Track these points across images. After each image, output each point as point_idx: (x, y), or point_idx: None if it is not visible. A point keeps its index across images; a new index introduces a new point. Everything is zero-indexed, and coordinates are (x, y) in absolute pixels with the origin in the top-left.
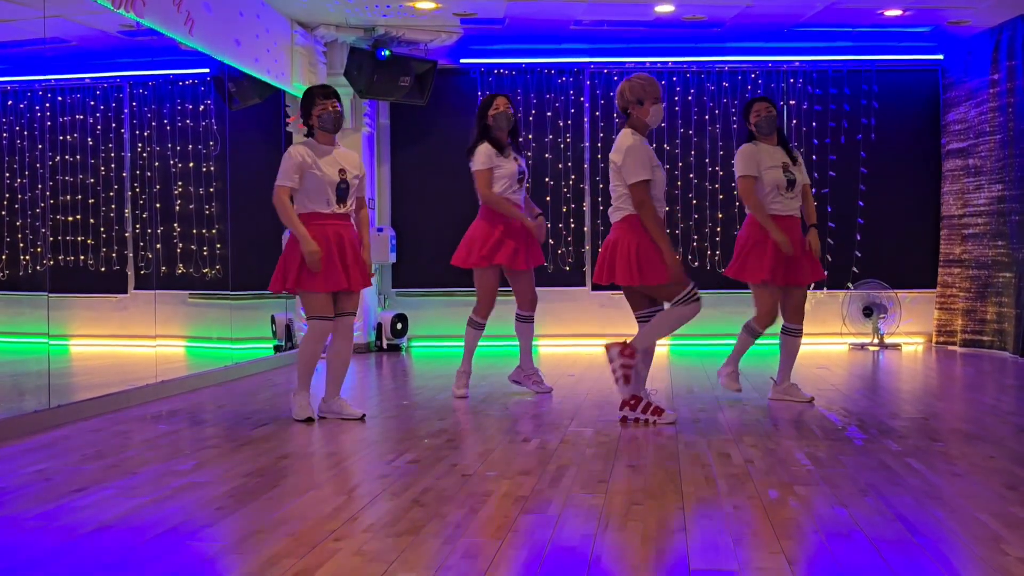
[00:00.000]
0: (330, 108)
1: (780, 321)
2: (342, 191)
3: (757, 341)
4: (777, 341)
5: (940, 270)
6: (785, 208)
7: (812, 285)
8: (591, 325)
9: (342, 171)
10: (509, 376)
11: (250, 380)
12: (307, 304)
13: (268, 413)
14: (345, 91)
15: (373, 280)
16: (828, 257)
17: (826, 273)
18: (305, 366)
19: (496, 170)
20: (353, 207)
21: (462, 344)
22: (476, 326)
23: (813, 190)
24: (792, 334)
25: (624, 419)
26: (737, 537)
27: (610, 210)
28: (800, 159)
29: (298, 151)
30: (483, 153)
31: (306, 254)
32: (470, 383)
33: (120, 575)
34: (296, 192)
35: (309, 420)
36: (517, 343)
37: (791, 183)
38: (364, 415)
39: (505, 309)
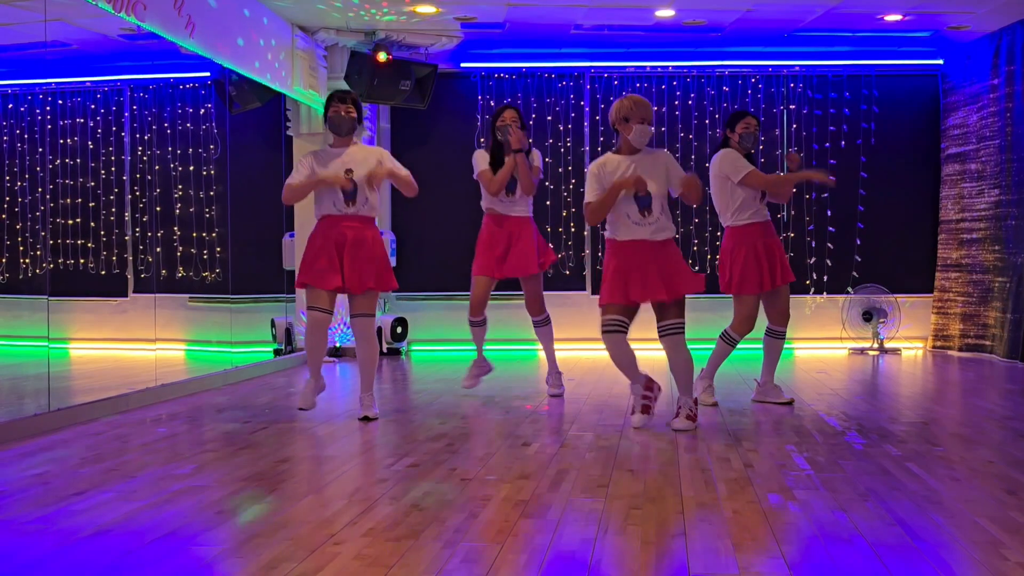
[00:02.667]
0: (343, 112)
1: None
2: (349, 191)
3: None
4: (761, 345)
5: (937, 274)
6: (760, 215)
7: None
8: (591, 329)
9: (349, 171)
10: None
11: (250, 384)
12: (306, 295)
13: (268, 417)
14: None
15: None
16: (828, 261)
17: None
18: (307, 355)
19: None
20: (368, 208)
21: (462, 347)
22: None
23: (812, 194)
24: (775, 336)
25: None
26: (737, 541)
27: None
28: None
29: (306, 156)
30: (477, 157)
31: (328, 180)
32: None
33: None
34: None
35: (303, 409)
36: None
37: (762, 194)
38: (367, 417)
39: (506, 313)
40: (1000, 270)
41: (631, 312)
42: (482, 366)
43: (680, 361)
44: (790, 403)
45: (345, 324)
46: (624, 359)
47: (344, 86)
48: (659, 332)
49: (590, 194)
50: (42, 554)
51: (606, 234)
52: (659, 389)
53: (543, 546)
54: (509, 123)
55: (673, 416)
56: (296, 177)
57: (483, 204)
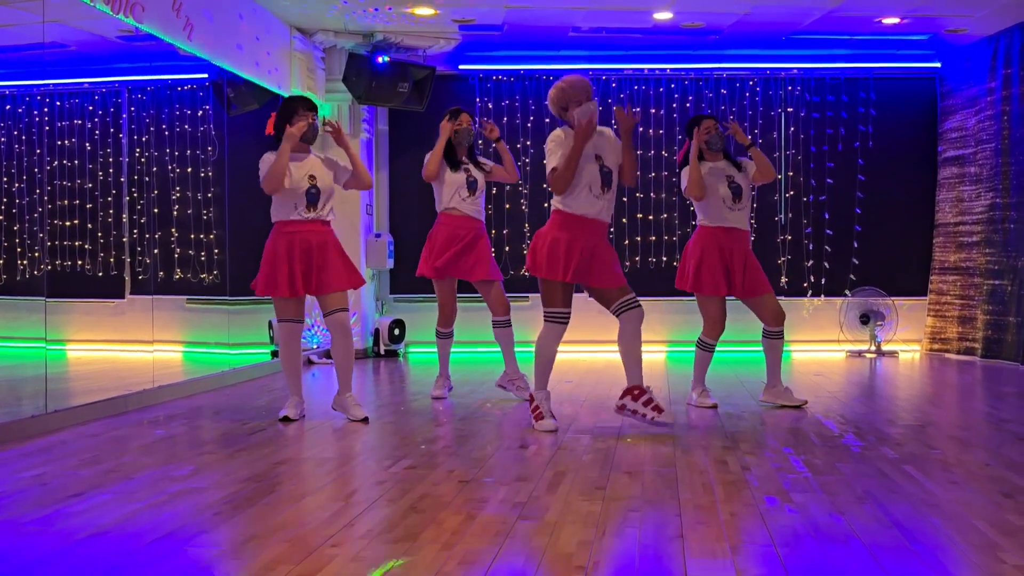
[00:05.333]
0: (312, 121)
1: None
2: (312, 196)
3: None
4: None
5: (933, 277)
6: (733, 220)
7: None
8: (587, 331)
9: (311, 177)
10: (496, 382)
11: (247, 385)
12: (275, 307)
13: (265, 418)
14: (344, 97)
15: (364, 280)
16: (825, 264)
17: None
18: (284, 369)
19: (447, 177)
20: (328, 212)
21: (459, 350)
22: (441, 336)
23: (810, 197)
24: (770, 336)
25: (622, 407)
26: (734, 544)
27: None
28: (747, 163)
29: (269, 156)
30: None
31: (288, 137)
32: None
33: None
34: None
35: (284, 419)
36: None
37: (737, 195)
38: (367, 418)
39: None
40: (996, 273)
41: (571, 299)
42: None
43: (630, 335)
44: (800, 406)
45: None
46: (549, 356)
47: (341, 88)
48: (616, 312)
49: (555, 159)
50: (40, 555)
51: (555, 204)
52: (554, 423)
53: (541, 548)
54: (467, 127)
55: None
56: (264, 166)
57: (440, 206)
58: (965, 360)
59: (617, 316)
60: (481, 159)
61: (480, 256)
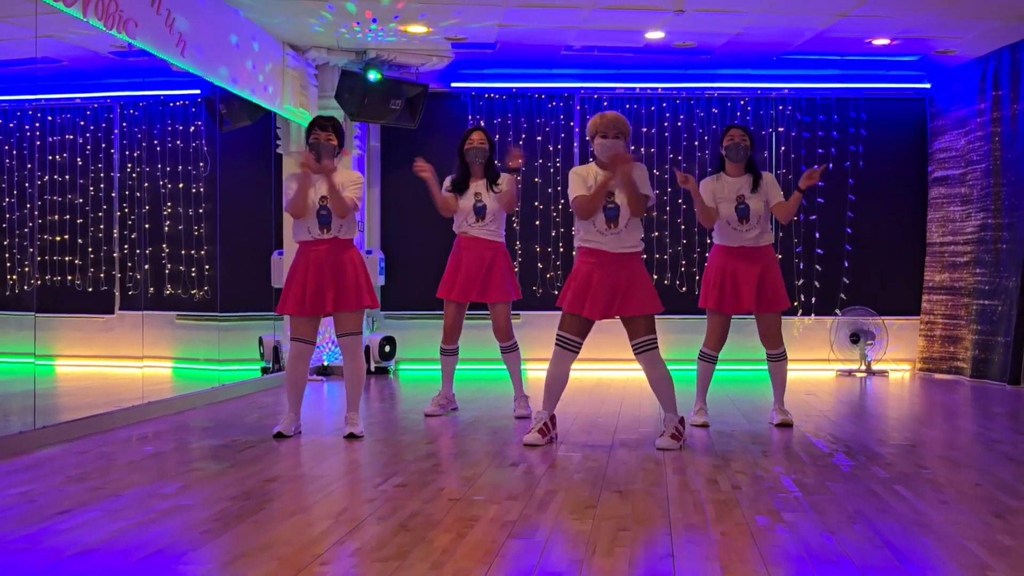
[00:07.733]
0: (322, 139)
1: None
2: (323, 217)
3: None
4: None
5: (924, 297)
6: (735, 240)
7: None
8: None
9: (323, 198)
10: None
11: (237, 402)
12: (290, 324)
13: (255, 435)
14: (336, 113)
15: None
16: (816, 283)
17: (792, 303)
18: (287, 387)
19: (459, 203)
20: (346, 231)
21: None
22: (444, 352)
23: (800, 216)
24: (769, 359)
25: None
26: (725, 564)
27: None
28: (767, 182)
29: (288, 178)
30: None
31: (300, 171)
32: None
33: None
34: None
35: (278, 436)
36: (504, 368)
37: (743, 217)
38: (351, 435)
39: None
40: (987, 293)
41: (586, 330)
42: (449, 401)
43: (656, 377)
44: (778, 425)
45: (333, 343)
46: (557, 381)
47: (334, 105)
48: (633, 351)
49: (577, 190)
50: (27, 574)
51: (575, 240)
52: (555, 435)
53: (530, 567)
54: (478, 145)
55: (658, 435)
56: (288, 192)
57: (455, 229)
58: (953, 380)
59: (636, 357)
60: (501, 179)
61: (494, 278)
